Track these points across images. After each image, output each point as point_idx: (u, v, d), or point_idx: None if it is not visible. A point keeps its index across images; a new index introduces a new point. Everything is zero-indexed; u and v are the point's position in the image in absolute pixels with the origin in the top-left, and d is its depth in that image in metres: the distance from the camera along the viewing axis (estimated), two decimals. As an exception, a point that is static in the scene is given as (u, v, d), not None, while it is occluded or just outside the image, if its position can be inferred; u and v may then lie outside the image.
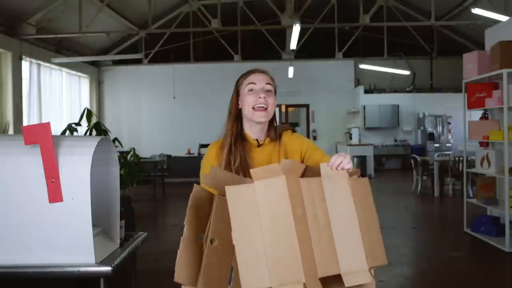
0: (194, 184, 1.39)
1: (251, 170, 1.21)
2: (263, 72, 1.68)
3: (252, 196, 1.18)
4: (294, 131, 1.76)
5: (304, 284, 1.12)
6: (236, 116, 1.68)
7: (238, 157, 1.62)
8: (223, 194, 1.37)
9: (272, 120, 1.70)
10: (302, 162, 1.65)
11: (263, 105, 1.61)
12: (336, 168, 1.29)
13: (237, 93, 1.69)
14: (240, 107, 1.67)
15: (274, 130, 1.69)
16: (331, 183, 1.25)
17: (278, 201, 1.17)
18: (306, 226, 1.20)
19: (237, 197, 1.19)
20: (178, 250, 1.35)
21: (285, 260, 1.14)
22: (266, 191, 1.18)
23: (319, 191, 1.23)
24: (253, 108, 1.62)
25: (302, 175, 1.39)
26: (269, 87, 1.65)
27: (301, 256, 1.14)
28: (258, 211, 1.17)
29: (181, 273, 1.35)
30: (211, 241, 1.34)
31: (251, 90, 1.63)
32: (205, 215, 1.39)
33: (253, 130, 1.67)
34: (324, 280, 1.21)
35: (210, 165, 1.63)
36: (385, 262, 1.31)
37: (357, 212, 1.26)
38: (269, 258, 1.15)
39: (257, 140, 1.68)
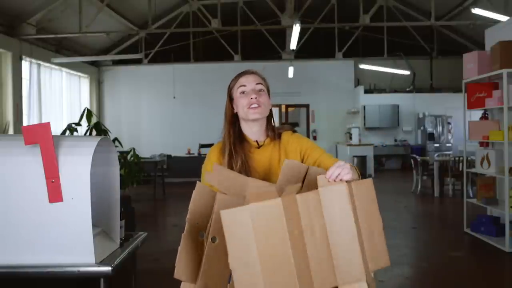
0: (197, 182, 1.40)
1: (247, 193, 1.22)
2: (252, 73, 1.69)
3: (248, 220, 1.17)
4: (294, 131, 1.76)
5: None
6: (232, 120, 1.70)
7: (239, 161, 1.63)
8: (225, 192, 1.37)
9: (270, 120, 1.71)
10: (302, 162, 1.65)
11: (256, 104, 1.63)
12: (335, 180, 1.28)
13: (230, 98, 1.70)
14: (235, 111, 1.69)
15: (273, 130, 1.70)
16: (328, 196, 1.24)
17: (274, 225, 1.17)
18: (303, 244, 1.21)
19: (233, 220, 1.18)
20: (179, 247, 1.36)
21: (281, 283, 1.15)
22: (261, 214, 1.18)
23: (316, 206, 1.23)
24: (248, 108, 1.63)
25: (304, 178, 1.40)
26: (260, 86, 1.66)
27: (298, 279, 1.15)
28: (254, 235, 1.17)
29: (181, 269, 1.36)
30: (212, 239, 1.35)
31: (242, 92, 1.65)
32: (206, 213, 1.39)
33: (252, 131, 1.68)
34: None
35: (211, 169, 1.66)
36: (388, 264, 1.31)
37: (358, 219, 1.26)
38: (266, 283, 1.16)
39: (256, 141, 1.69)
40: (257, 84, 1.66)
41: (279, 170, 1.51)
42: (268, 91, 1.71)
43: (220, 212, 1.19)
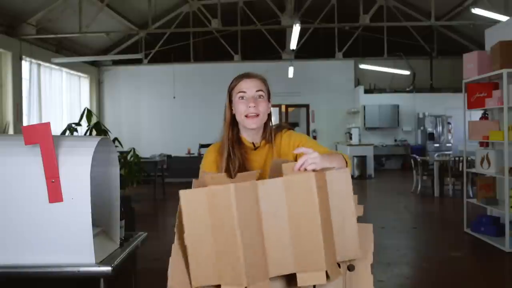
0: (179, 191, 1.39)
1: (204, 176, 1.25)
2: (254, 77, 1.66)
3: (203, 201, 1.22)
4: (289, 129, 1.75)
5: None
6: (231, 121, 1.69)
7: (237, 162, 1.64)
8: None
9: (267, 122, 1.70)
10: (296, 159, 1.65)
11: (254, 113, 1.62)
12: (299, 169, 1.28)
13: (229, 99, 1.69)
14: (234, 112, 1.68)
15: (270, 133, 1.70)
16: (291, 184, 1.24)
17: (225, 207, 1.20)
18: (259, 228, 1.23)
19: (189, 200, 1.24)
20: (170, 258, 1.36)
21: (228, 265, 1.20)
22: (215, 196, 1.21)
23: (279, 193, 1.24)
24: (246, 116, 1.63)
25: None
26: (259, 93, 1.64)
27: (244, 261, 1.17)
28: (208, 215, 1.22)
29: (174, 280, 1.36)
30: None
31: (241, 97, 1.64)
32: None
33: (248, 134, 1.69)
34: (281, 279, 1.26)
35: (210, 170, 1.67)
36: (358, 256, 1.32)
37: (329, 209, 1.27)
38: (216, 263, 1.21)
39: (253, 143, 1.69)
40: (257, 91, 1.64)
41: None
42: (269, 94, 1.70)
43: (179, 192, 1.24)
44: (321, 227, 1.22)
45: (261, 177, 1.61)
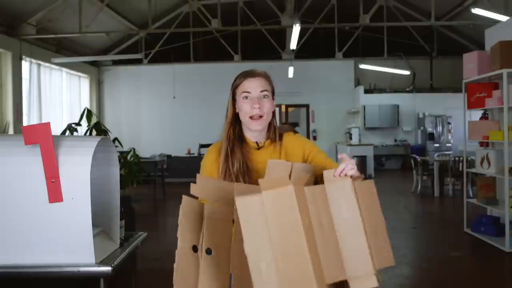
0: (183, 196, 1.37)
1: (259, 180, 1.20)
2: (258, 76, 1.63)
3: (261, 207, 1.17)
4: (295, 132, 1.73)
5: None
6: (233, 120, 1.65)
7: (237, 162, 1.60)
8: (212, 202, 1.37)
9: (271, 121, 1.67)
10: (304, 161, 1.64)
11: (258, 115, 1.59)
12: (340, 175, 1.28)
13: (233, 97, 1.65)
14: (237, 111, 1.65)
15: (274, 131, 1.67)
16: (334, 190, 1.25)
17: (287, 212, 1.17)
18: (312, 235, 1.21)
19: (247, 208, 1.18)
20: (174, 264, 1.34)
21: (296, 270, 1.15)
22: (275, 202, 1.18)
23: (323, 199, 1.24)
24: (250, 117, 1.60)
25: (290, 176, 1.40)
26: (264, 93, 1.61)
27: (312, 266, 1.14)
28: (267, 222, 1.17)
29: (179, 286, 1.35)
30: (207, 252, 1.34)
31: (246, 97, 1.60)
32: (197, 226, 1.38)
33: (252, 133, 1.65)
34: (331, 287, 1.22)
35: (209, 169, 1.64)
36: (392, 263, 1.31)
37: (362, 216, 1.26)
38: (280, 268, 1.16)
39: (256, 142, 1.66)
40: (261, 91, 1.61)
41: None
42: (273, 91, 1.67)
43: (236, 199, 1.19)
44: (364, 232, 1.22)
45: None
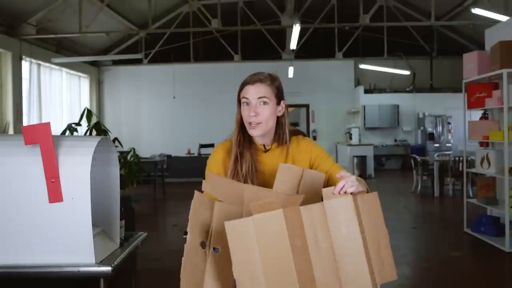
0: (195, 191, 1.38)
1: (250, 205, 1.21)
2: (257, 82, 1.61)
3: (251, 231, 1.19)
4: (304, 135, 1.73)
5: None
6: (241, 124, 1.65)
7: (245, 164, 1.61)
8: (222, 200, 1.37)
9: (279, 124, 1.66)
10: (311, 168, 1.64)
11: (255, 122, 1.59)
12: (339, 192, 1.28)
13: (239, 102, 1.66)
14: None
15: (282, 135, 1.66)
16: (334, 208, 1.25)
17: (276, 235, 1.18)
18: (306, 256, 1.21)
19: (237, 232, 1.20)
20: (183, 258, 1.35)
21: None
22: (264, 226, 1.19)
23: (321, 218, 1.24)
24: (249, 123, 1.61)
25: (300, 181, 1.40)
26: (262, 100, 1.60)
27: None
28: (257, 246, 1.19)
29: (186, 281, 1.36)
30: (215, 249, 1.34)
31: (245, 103, 1.61)
32: (206, 222, 1.39)
33: (258, 137, 1.65)
34: None
35: (216, 168, 1.64)
36: (395, 277, 1.31)
37: (365, 232, 1.27)
38: None
39: (264, 145, 1.66)
40: (259, 98, 1.59)
41: None
42: (280, 94, 1.64)
43: (224, 223, 1.21)
44: (363, 249, 1.22)
45: (271, 180, 1.55)
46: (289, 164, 1.51)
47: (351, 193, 1.27)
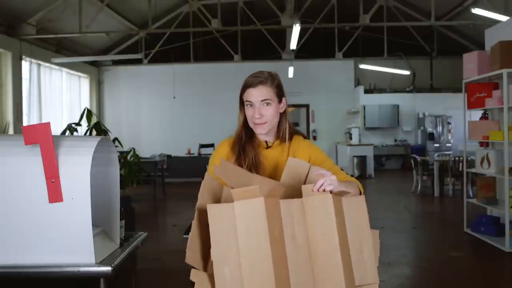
0: (205, 174, 1.44)
1: (231, 190, 1.25)
2: (259, 85, 1.66)
3: (232, 216, 1.22)
4: (305, 137, 1.78)
5: None
6: (244, 123, 1.71)
7: (248, 159, 1.66)
8: (231, 186, 1.39)
9: (281, 122, 1.71)
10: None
11: (260, 122, 1.65)
12: (318, 190, 1.31)
13: (241, 101, 1.71)
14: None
15: (284, 132, 1.71)
16: (311, 204, 1.27)
17: (255, 221, 1.20)
18: (282, 247, 1.23)
19: (218, 215, 1.24)
20: (190, 233, 1.37)
21: (259, 280, 1.18)
22: (244, 211, 1.21)
23: (299, 212, 1.26)
24: (254, 123, 1.66)
25: (306, 176, 1.42)
26: (265, 101, 1.65)
27: (275, 276, 1.17)
28: (236, 230, 1.21)
29: (191, 255, 1.38)
30: None
31: (249, 105, 1.66)
32: (215, 202, 1.42)
33: (263, 135, 1.71)
34: None
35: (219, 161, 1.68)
36: (376, 281, 1.33)
37: (346, 231, 1.29)
38: (244, 277, 1.19)
39: (266, 142, 1.71)
40: (262, 100, 1.64)
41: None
42: (281, 92, 1.69)
43: (207, 206, 1.25)
44: (339, 248, 1.23)
45: (271, 177, 1.61)
46: (298, 159, 1.54)
47: (331, 192, 1.29)
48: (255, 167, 1.64)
